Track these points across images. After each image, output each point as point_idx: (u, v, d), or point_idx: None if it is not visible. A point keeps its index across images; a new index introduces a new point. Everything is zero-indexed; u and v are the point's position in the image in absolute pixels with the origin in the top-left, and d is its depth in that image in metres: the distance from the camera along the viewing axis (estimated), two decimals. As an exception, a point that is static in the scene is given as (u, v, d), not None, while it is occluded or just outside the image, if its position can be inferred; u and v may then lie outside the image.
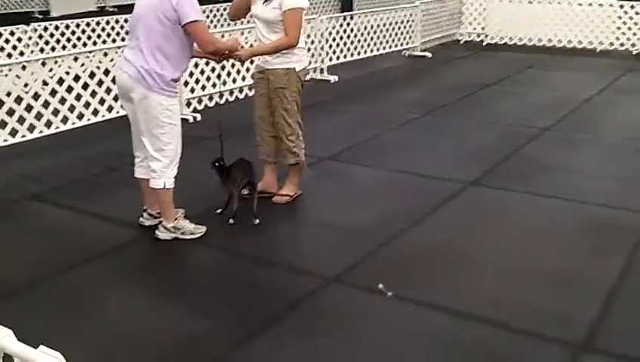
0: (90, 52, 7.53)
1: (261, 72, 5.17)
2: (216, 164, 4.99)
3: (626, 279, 4.16)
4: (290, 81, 5.08)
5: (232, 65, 8.82)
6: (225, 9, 13.89)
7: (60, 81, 7.02)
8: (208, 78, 8.51)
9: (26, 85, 6.81)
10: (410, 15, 12.43)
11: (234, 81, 8.89)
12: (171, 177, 4.62)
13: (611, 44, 12.51)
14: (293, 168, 5.37)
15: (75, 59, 7.34)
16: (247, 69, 9.03)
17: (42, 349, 1.70)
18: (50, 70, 7.09)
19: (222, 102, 8.79)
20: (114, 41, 11.08)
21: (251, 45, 5.23)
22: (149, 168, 4.63)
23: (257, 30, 5.10)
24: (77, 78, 7.19)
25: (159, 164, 4.57)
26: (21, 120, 6.69)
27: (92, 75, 7.36)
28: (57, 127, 6.97)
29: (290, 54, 5.03)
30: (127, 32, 10.88)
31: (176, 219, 4.72)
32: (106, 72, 7.45)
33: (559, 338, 3.51)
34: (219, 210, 5.09)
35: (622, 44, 12.43)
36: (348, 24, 10.99)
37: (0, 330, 1.78)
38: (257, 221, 4.92)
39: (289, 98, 5.12)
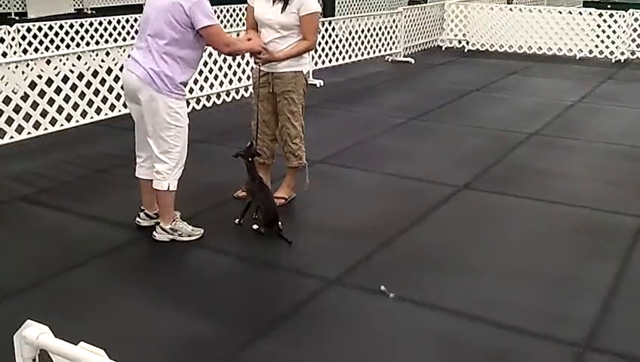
0: (81, 52, 7.44)
1: (264, 76, 5.13)
2: (250, 159, 4.92)
3: (623, 280, 4.23)
4: (298, 83, 5.08)
5: (220, 69, 8.81)
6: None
7: (49, 82, 6.95)
8: (196, 81, 8.48)
9: (6, 84, 6.70)
10: (394, 21, 12.51)
11: (221, 84, 8.87)
12: (176, 179, 4.61)
13: (591, 51, 12.72)
14: (291, 171, 5.37)
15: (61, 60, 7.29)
16: (234, 73, 9.03)
17: (83, 345, 1.69)
18: (34, 70, 7.01)
19: (209, 104, 8.78)
20: (97, 43, 11.00)
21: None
22: (154, 169, 4.60)
23: (266, 35, 4.98)
24: (65, 80, 7.12)
25: (165, 166, 4.55)
26: (9, 121, 6.61)
27: (80, 77, 7.29)
28: (46, 129, 6.89)
29: (298, 57, 5.03)
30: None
31: (174, 220, 4.70)
32: (95, 74, 7.40)
33: (562, 338, 3.55)
34: (237, 220, 5.00)
35: (601, 52, 12.64)
36: (333, 29, 11.04)
37: (36, 327, 1.76)
38: (291, 241, 4.74)
39: (296, 101, 5.10)
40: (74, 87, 7.18)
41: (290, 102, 5.10)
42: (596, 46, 12.69)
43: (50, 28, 10.46)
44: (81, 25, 11.07)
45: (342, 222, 5.14)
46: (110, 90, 7.50)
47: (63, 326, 2.11)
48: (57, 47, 10.36)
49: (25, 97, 6.74)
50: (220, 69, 8.80)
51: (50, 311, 3.77)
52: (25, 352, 1.76)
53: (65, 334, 1.84)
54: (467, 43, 13.88)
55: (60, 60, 7.23)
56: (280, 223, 4.82)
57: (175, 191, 4.64)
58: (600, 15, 12.59)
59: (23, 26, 10.03)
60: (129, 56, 4.68)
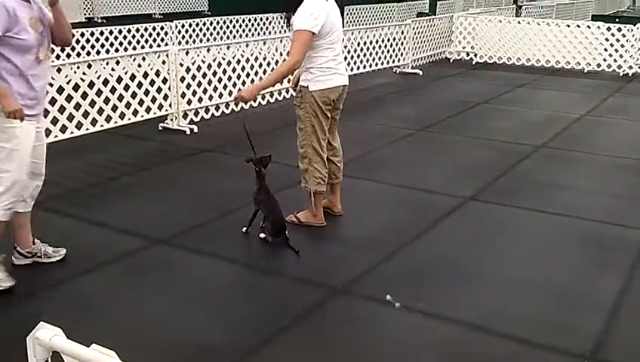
0: (92, 61, 7.50)
1: None
2: (260, 167, 4.94)
3: (628, 293, 4.24)
4: (304, 99, 4.92)
5: (229, 78, 8.87)
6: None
7: (60, 90, 7.02)
8: (205, 91, 8.55)
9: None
10: (402, 32, 12.57)
11: (230, 93, 8.92)
12: (4, 209, 4.03)
13: (599, 65, 12.74)
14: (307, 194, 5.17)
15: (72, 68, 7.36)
16: (244, 83, 9.09)
17: (95, 347, 1.73)
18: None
19: (218, 114, 8.84)
20: (107, 51, 11.10)
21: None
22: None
23: None
24: (76, 88, 7.20)
25: None
26: (20, 128, 6.66)
27: (91, 85, 7.36)
28: (56, 136, 6.95)
29: (307, 72, 4.88)
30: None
31: None
32: (105, 82, 7.46)
33: (567, 349, 3.57)
34: (244, 229, 5.03)
35: (609, 66, 12.66)
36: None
37: (49, 329, 1.80)
38: (298, 250, 4.75)
39: (302, 117, 4.98)
40: (85, 95, 7.25)
41: (297, 118, 5.05)
42: (604, 60, 12.71)
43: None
44: (92, 33, 11.18)
45: (348, 231, 5.18)
46: (120, 98, 7.56)
47: (74, 329, 2.15)
48: (68, 56, 10.45)
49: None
50: (230, 78, 8.87)
51: (62, 315, 3.81)
52: (38, 353, 1.80)
53: (76, 337, 1.88)
54: (475, 55, 13.93)
55: (71, 68, 7.29)
56: (287, 232, 4.86)
57: (6, 221, 4.10)
58: (608, 29, 12.62)
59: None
60: None
